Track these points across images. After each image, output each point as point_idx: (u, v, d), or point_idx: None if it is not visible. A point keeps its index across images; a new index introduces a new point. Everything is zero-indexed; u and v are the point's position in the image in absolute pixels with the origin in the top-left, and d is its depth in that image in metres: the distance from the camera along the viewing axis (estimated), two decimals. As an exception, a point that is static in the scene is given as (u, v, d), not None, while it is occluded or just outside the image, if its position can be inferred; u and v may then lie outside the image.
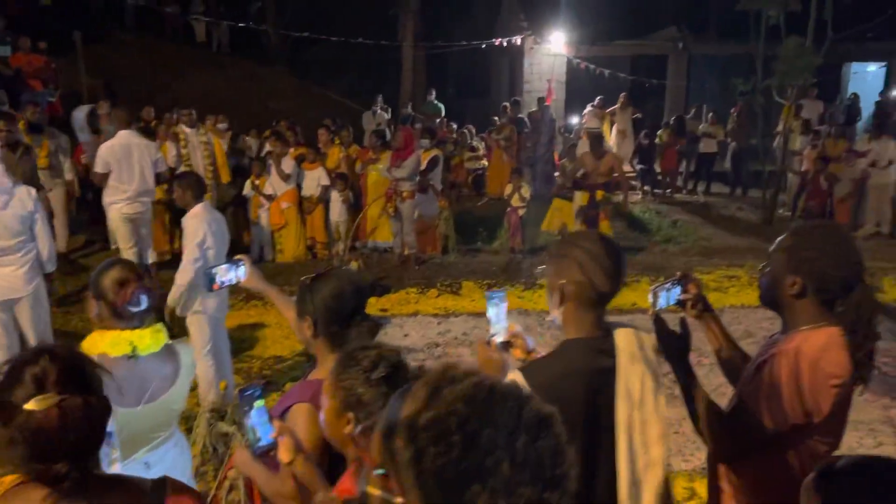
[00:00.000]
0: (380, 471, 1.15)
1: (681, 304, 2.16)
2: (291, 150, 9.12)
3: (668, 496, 1.96)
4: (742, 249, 9.26)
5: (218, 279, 2.59)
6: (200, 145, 8.90)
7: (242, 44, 18.34)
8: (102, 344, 2.38)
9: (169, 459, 2.52)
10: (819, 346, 1.84)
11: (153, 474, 1.64)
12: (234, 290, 5.00)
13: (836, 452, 4.43)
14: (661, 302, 2.09)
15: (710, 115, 14.09)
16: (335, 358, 1.80)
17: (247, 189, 9.04)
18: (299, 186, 8.97)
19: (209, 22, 17.57)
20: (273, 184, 8.79)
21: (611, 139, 13.75)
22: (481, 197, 12.84)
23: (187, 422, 4.49)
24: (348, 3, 19.89)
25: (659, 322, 2.00)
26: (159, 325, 2.53)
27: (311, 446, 1.96)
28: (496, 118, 13.85)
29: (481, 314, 7.17)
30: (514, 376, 1.84)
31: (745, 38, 11.58)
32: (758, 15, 10.81)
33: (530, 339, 2.11)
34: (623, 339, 1.93)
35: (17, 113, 7.79)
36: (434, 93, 15.47)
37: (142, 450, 2.44)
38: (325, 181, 8.99)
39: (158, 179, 7.26)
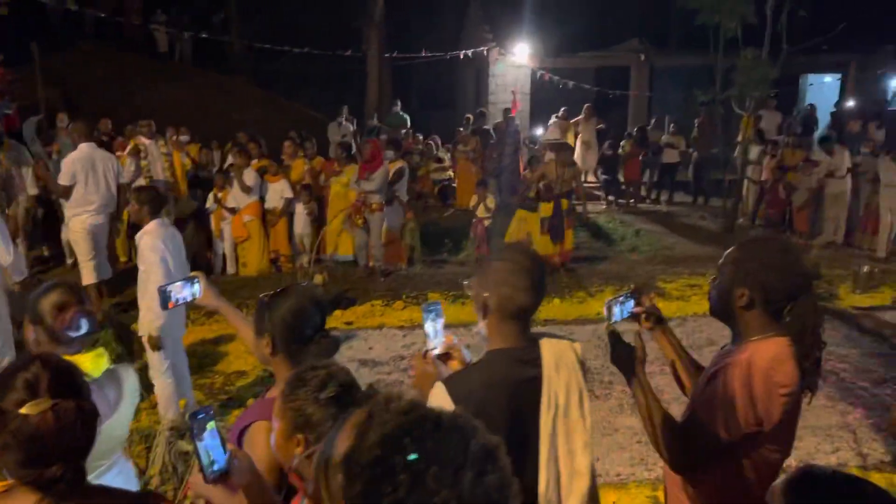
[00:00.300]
0: None
1: (635, 316, 2.18)
2: (254, 162, 9.04)
3: None
4: (704, 258, 9.40)
5: (173, 297, 2.55)
6: (161, 157, 8.79)
7: (206, 55, 18.18)
8: None
9: None
10: (769, 357, 1.87)
11: None
12: (196, 304, 4.94)
13: (800, 459, 4.50)
14: (616, 315, 2.12)
15: (672, 125, 14.33)
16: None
17: (209, 202, 8.92)
18: (262, 199, 8.90)
19: (171, 32, 17.38)
20: (235, 197, 8.70)
21: (575, 150, 13.87)
22: (447, 208, 12.86)
23: (147, 441, 4.42)
24: (313, 14, 19.86)
25: (613, 335, 2.02)
26: (101, 350, 2.47)
27: (270, 465, 1.94)
28: (461, 129, 13.90)
29: (448, 327, 7.18)
30: (437, 389, 1.86)
31: (705, 51, 11.80)
32: (716, 28, 11.03)
33: (467, 352, 2.12)
34: (548, 350, 1.96)
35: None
36: (399, 104, 15.48)
37: None
38: (289, 193, 8.92)
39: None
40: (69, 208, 6.90)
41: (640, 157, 13.74)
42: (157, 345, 4.51)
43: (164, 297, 2.54)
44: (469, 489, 0.90)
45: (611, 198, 13.92)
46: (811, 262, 8.54)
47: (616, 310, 2.12)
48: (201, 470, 1.74)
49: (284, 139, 10.02)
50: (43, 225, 8.80)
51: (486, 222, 9.61)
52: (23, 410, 1.43)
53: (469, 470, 0.92)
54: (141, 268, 4.48)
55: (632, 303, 2.17)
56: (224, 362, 6.28)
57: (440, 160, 13.67)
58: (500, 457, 0.97)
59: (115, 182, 7.01)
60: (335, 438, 1.03)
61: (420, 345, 6.55)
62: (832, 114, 15.60)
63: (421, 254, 9.36)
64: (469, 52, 16.09)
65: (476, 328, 2.04)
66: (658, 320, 2.24)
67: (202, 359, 6.31)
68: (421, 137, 14.17)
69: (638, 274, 9.06)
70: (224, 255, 8.93)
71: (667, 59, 17.57)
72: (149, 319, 4.45)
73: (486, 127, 13.66)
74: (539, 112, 16.61)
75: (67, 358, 2.32)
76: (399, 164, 9.18)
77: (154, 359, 4.63)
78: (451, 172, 13.52)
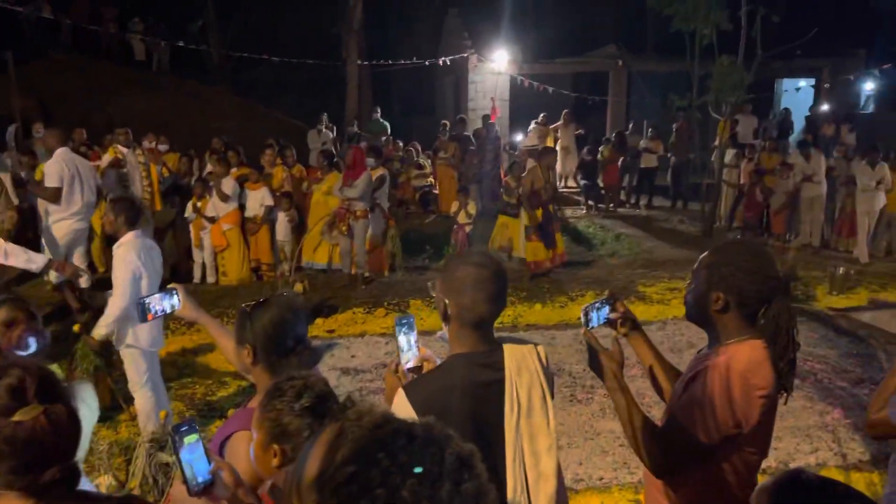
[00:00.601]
0: None
1: (611, 322, 2.20)
2: (233, 170, 9.00)
3: None
4: (683, 261, 9.48)
5: (152, 309, 2.53)
6: (138, 166, 8.72)
7: (183, 63, 18.05)
8: None
9: None
10: (745, 360, 1.90)
11: None
12: (175, 316, 4.90)
13: (780, 459, 4.54)
14: (593, 321, 2.13)
15: (650, 130, 14.46)
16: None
17: (188, 212, 8.85)
18: (242, 207, 8.85)
19: (149, 41, 17.26)
20: (215, 205, 8.65)
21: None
22: (428, 214, 12.88)
23: (126, 453, 4.37)
24: (291, 22, 19.83)
25: (590, 340, 2.04)
26: (55, 367, 2.43)
27: (252, 476, 1.92)
28: (441, 136, 13.93)
29: (429, 332, 7.16)
30: (398, 396, 1.87)
31: (681, 56, 11.94)
32: (692, 34, 11.17)
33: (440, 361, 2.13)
34: (510, 353, 1.97)
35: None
36: (379, 111, 15.49)
37: None
38: (270, 201, 8.88)
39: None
40: (55, 213, 6.86)
41: (619, 162, 13.84)
42: (94, 346, 4.52)
43: (143, 310, 2.52)
44: (447, 499, 0.89)
45: (590, 203, 14.01)
46: (788, 265, 8.66)
47: (593, 315, 2.14)
48: (185, 483, 1.73)
49: (264, 147, 9.97)
50: (22, 234, 8.68)
51: (468, 228, 9.63)
52: (16, 417, 1.43)
53: (446, 480, 0.90)
54: (113, 280, 4.43)
55: (607, 308, 2.19)
56: (205, 372, 6.23)
57: (421, 166, 13.69)
58: (475, 465, 0.96)
59: (94, 188, 7.00)
60: (307, 458, 1.01)
61: (402, 352, 6.57)
62: (807, 118, 15.84)
63: (402, 261, 9.36)
64: (448, 60, 16.15)
65: (439, 334, 2.05)
66: (633, 325, 2.25)
67: (182, 369, 6.27)
68: (401, 144, 14.18)
69: (618, 278, 9.12)
70: (204, 265, 8.87)
71: (644, 64, 17.75)
72: (99, 324, 4.43)
73: (466, 133, 13.70)
74: (519, 118, 16.69)
75: None
76: (380, 171, 9.18)
77: (133, 371, 4.59)
78: (431, 179, 13.55)
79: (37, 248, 8.24)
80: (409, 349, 2.06)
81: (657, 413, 2.21)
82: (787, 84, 19.27)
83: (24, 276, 8.50)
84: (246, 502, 1.71)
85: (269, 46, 16.15)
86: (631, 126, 16.10)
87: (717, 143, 12.21)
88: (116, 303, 4.34)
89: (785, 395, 1.97)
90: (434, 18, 20.58)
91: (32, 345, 2.31)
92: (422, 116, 20.44)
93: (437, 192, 13.21)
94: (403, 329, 2.07)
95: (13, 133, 9.21)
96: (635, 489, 4.29)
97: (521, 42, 16.38)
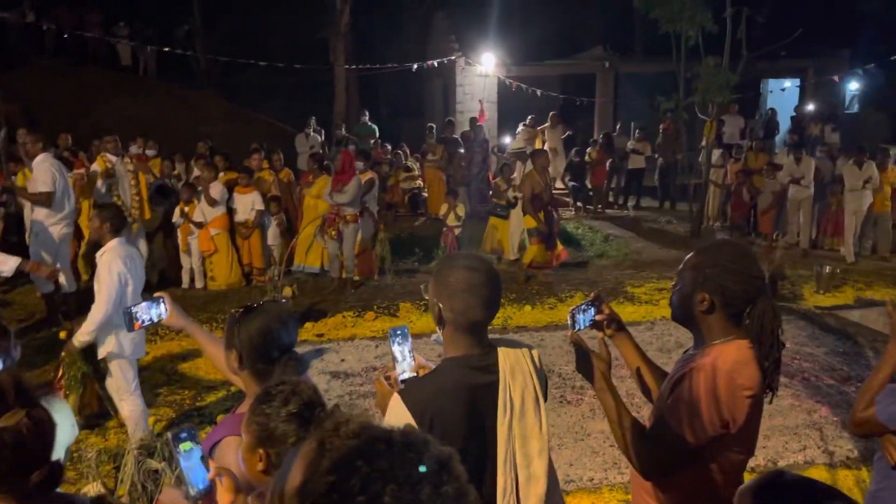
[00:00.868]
0: None
1: (596, 324, 2.21)
2: (221, 174, 8.96)
3: None
4: (671, 262, 9.51)
5: (139, 317, 2.52)
6: (127, 174, 8.66)
7: (170, 67, 17.99)
8: None
9: None
10: (732, 360, 1.91)
11: None
12: (162, 325, 4.88)
13: (768, 458, 4.56)
14: (579, 323, 2.14)
15: (638, 131, 14.52)
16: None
17: (176, 217, 8.80)
18: (231, 211, 8.82)
19: (134, 46, 17.18)
20: (203, 210, 8.61)
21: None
22: (418, 217, 12.88)
23: (115, 460, 4.34)
24: (278, 26, 19.79)
25: (577, 342, 2.04)
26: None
27: (241, 481, 1.93)
28: (428, 139, 13.93)
29: (419, 336, 7.17)
30: (393, 400, 1.88)
31: (668, 58, 12.00)
32: (678, 35, 11.23)
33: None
34: (504, 356, 1.98)
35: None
36: (367, 114, 15.48)
37: None
38: (260, 206, 8.86)
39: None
40: (46, 218, 6.85)
41: (607, 164, 13.89)
42: (73, 351, 4.48)
43: (130, 319, 2.51)
44: (428, 503, 0.90)
45: (579, 204, 14.05)
46: (776, 264, 8.71)
47: (579, 318, 2.15)
48: (185, 490, 1.73)
49: (251, 151, 9.95)
50: (5, 240, 8.62)
51: (457, 231, 9.64)
52: (0, 423, 1.45)
53: (426, 484, 0.91)
54: (96, 287, 4.40)
55: (593, 311, 2.19)
56: (194, 378, 6.20)
57: (409, 169, 13.69)
58: (454, 467, 0.96)
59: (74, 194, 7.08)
60: (288, 470, 1.01)
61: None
62: (792, 118, 15.95)
63: (392, 264, 9.35)
64: (435, 62, 16.16)
65: (434, 336, 2.06)
66: (619, 327, 2.26)
67: (171, 374, 6.24)
68: (389, 147, 14.18)
69: (607, 279, 9.15)
70: (192, 270, 8.83)
71: (631, 66, 17.83)
72: (82, 330, 4.40)
73: (454, 136, 13.72)
74: (507, 120, 16.72)
75: None
76: (369, 174, 9.17)
77: (120, 380, 4.58)
78: (420, 182, 13.55)
79: (23, 255, 8.21)
80: (404, 360, 2.06)
81: (646, 414, 2.22)
82: (772, 84, 19.40)
83: (14, 282, 8.46)
84: None
85: (257, 50, 16.12)
86: (618, 127, 16.18)
87: (703, 143, 12.28)
88: (100, 309, 4.32)
89: (770, 394, 1.98)
90: (421, 21, 20.59)
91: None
92: (410, 119, 20.44)
93: (426, 194, 13.21)
94: (397, 339, 2.06)
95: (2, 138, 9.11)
96: (625, 489, 4.31)
97: (509, 44, 16.41)
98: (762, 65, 14.66)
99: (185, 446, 1.71)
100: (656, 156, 14.31)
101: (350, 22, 16.92)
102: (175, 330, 6.78)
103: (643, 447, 1.98)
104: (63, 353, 4.83)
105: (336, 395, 5.74)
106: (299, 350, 2.29)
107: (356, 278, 8.72)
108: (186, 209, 8.66)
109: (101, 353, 4.52)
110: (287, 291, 8.08)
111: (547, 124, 14.85)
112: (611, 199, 14.61)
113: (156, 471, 3.98)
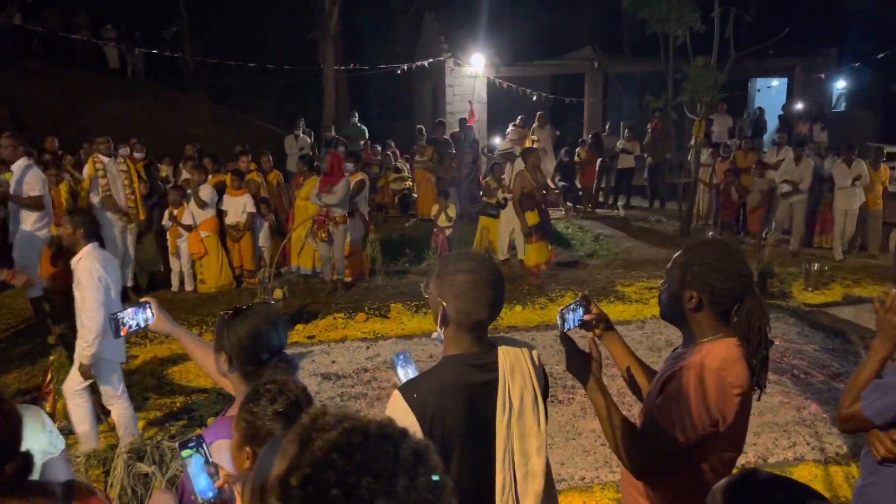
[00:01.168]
0: None
1: (585, 324, 2.21)
2: (211, 177, 8.92)
3: None
4: (661, 260, 9.54)
5: (126, 323, 2.50)
6: (120, 175, 8.59)
7: (158, 70, 17.93)
8: None
9: None
10: (721, 358, 1.91)
11: None
12: (149, 330, 4.85)
13: (758, 454, 4.57)
14: (568, 323, 2.15)
15: (627, 131, 14.57)
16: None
17: (165, 219, 8.76)
18: (221, 214, 8.79)
19: (122, 48, 17.11)
20: (192, 212, 8.57)
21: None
22: (408, 218, 12.88)
23: (105, 464, 4.32)
24: (267, 28, 19.75)
25: (567, 342, 2.05)
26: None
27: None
28: (418, 140, 13.93)
29: (410, 336, 7.17)
30: (394, 396, 1.90)
31: (656, 58, 12.05)
32: (666, 35, 11.28)
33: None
34: (504, 355, 1.99)
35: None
36: (357, 115, 15.47)
37: None
38: (252, 208, 8.83)
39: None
40: (34, 223, 6.83)
41: (597, 164, 13.92)
42: (87, 373, 4.39)
43: (116, 325, 2.49)
44: (403, 494, 0.91)
45: (569, 204, 14.08)
46: (765, 262, 8.75)
47: (568, 318, 2.15)
48: (194, 498, 1.73)
49: (238, 154, 9.93)
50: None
51: (448, 231, 9.64)
52: None
53: (402, 476, 0.92)
54: (77, 294, 4.34)
55: (581, 311, 2.20)
56: (183, 381, 6.17)
57: (399, 170, 13.68)
58: (430, 458, 0.98)
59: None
60: (266, 463, 1.02)
61: (384, 356, 6.55)
62: (780, 116, 16.05)
63: (382, 265, 9.34)
64: (425, 63, 16.16)
65: (434, 335, 2.06)
66: (607, 326, 2.27)
67: (160, 378, 6.20)
68: (379, 148, 14.17)
69: (597, 278, 9.17)
70: (181, 272, 8.79)
71: (620, 66, 17.89)
72: (81, 347, 4.34)
73: (444, 137, 13.72)
74: (497, 121, 16.74)
75: None
76: (359, 176, 9.16)
77: (107, 386, 4.55)
78: (410, 182, 13.54)
79: (6, 258, 8.17)
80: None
81: (637, 412, 2.23)
82: (760, 83, 19.53)
83: (2, 287, 8.39)
84: None
85: (246, 52, 16.08)
86: (608, 127, 16.22)
87: (692, 142, 12.33)
88: (92, 317, 4.25)
89: (758, 391, 1.99)
90: (411, 22, 20.60)
91: None
92: (399, 120, 20.44)
93: (416, 195, 13.21)
94: (400, 363, 2.10)
95: None
96: (616, 488, 4.31)
97: (498, 45, 16.44)
98: (750, 64, 14.74)
99: (185, 454, 1.71)
100: (645, 155, 14.36)
101: (339, 23, 16.91)
102: (162, 335, 6.80)
103: (634, 446, 1.99)
104: (51, 358, 4.80)
105: (327, 396, 5.73)
106: (290, 352, 2.29)
107: (347, 279, 8.71)
108: (175, 212, 8.61)
109: (75, 357, 4.46)
110: (277, 293, 8.07)
111: (535, 125, 14.88)
112: (601, 198, 14.65)
113: (146, 474, 3.96)
